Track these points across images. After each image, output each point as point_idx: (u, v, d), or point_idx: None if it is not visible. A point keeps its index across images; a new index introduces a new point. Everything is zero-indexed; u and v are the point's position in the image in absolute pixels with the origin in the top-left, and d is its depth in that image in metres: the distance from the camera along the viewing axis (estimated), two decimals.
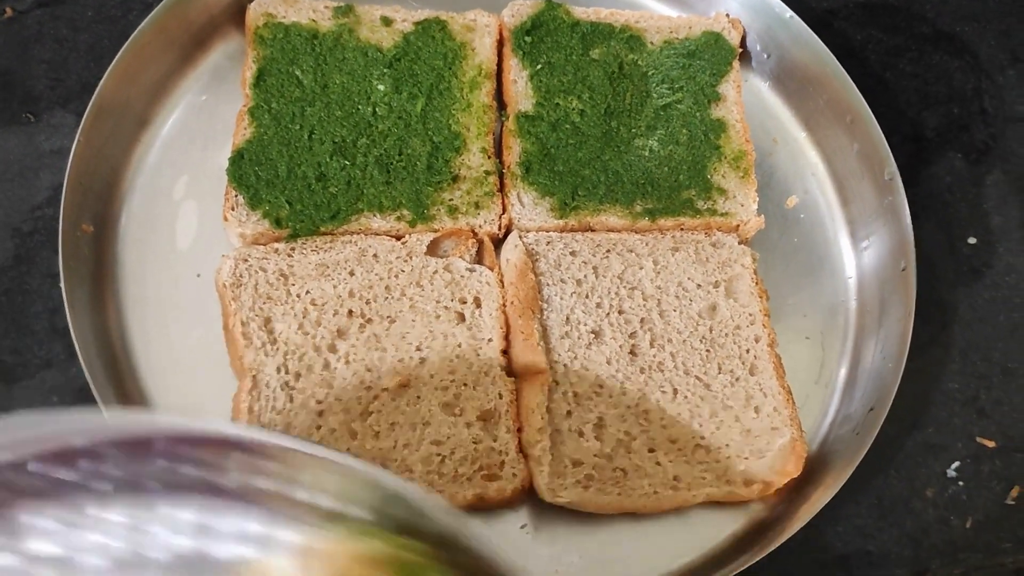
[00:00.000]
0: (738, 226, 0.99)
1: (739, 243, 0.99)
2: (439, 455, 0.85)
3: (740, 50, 1.07)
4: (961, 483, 0.96)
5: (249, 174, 0.94)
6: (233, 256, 0.90)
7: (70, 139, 0.97)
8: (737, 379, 0.92)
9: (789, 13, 1.06)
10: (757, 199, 0.99)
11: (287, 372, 0.86)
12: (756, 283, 0.97)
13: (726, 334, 0.94)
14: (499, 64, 1.05)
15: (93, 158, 0.93)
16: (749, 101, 1.08)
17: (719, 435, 0.89)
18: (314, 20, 1.03)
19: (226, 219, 0.92)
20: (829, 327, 0.99)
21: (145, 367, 0.89)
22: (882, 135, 1.01)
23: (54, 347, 0.90)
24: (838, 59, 1.04)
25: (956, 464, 0.97)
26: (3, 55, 1.03)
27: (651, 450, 0.88)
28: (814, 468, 0.90)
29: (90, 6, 1.08)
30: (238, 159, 0.94)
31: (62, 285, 0.85)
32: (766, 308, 0.95)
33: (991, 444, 0.98)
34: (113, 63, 0.94)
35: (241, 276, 0.90)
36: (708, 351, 0.93)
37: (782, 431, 0.90)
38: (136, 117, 0.99)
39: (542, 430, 0.86)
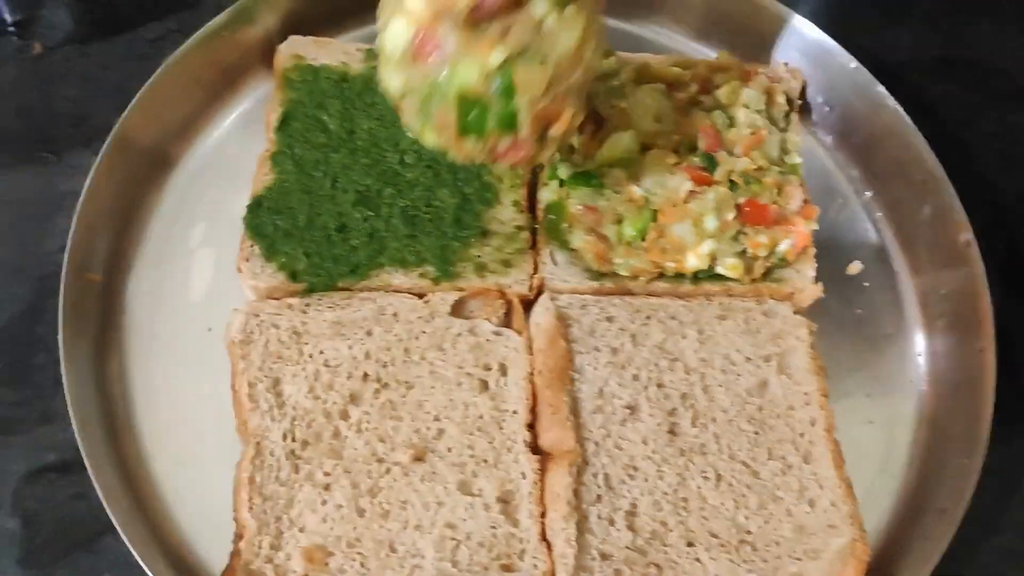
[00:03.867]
0: (792, 293, 0.91)
1: (794, 312, 0.90)
2: (453, 540, 0.77)
3: (800, 102, 0.99)
4: None
5: (267, 223, 0.88)
6: (244, 311, 0.85)
7: None
8: (789, 467, 0.83)
9: (855, 63, 0.98)
10: (815, 265, 0.90)
11: (294, 440, 0.80)
12: (812, 358, 0.87)
13: (777, 415, 0.85)
14: None
15: (107, 202, 0.89)
16: (808, 157, 0.99)
17: (767, 530, 0.80)
18: (345, 63, 0.98)
19: (240, 270, 0.86)
20: (896, 411, 0.90)
21: (146, 427, 0.84)
22: (956, 197, 0.92)
23: (55, 401, 0.85)
24: (910, 114, 0.96)
25: None
26: (27, 92, 1.01)
27: (690, 544, 0.79)
28: (876, 574, 0.80)
29: (121, 44, 1.05)
30: (256, 207, 0.89)
31: (60, 338, 0.80)
32: (824, 387, 0.86)
33: None
34: (134, 101, 0.91)
35: (251, 333, 0.84)
36: (757, 433, 0.84)
37: (840, 529, 0.80)
38: (156, 158, 0.95)
39: (568, 516, 0.77)
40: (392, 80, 0.74)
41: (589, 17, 0.73)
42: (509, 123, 0.73)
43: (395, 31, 0.72)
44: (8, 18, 1.04)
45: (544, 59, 0.71)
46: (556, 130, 0.75)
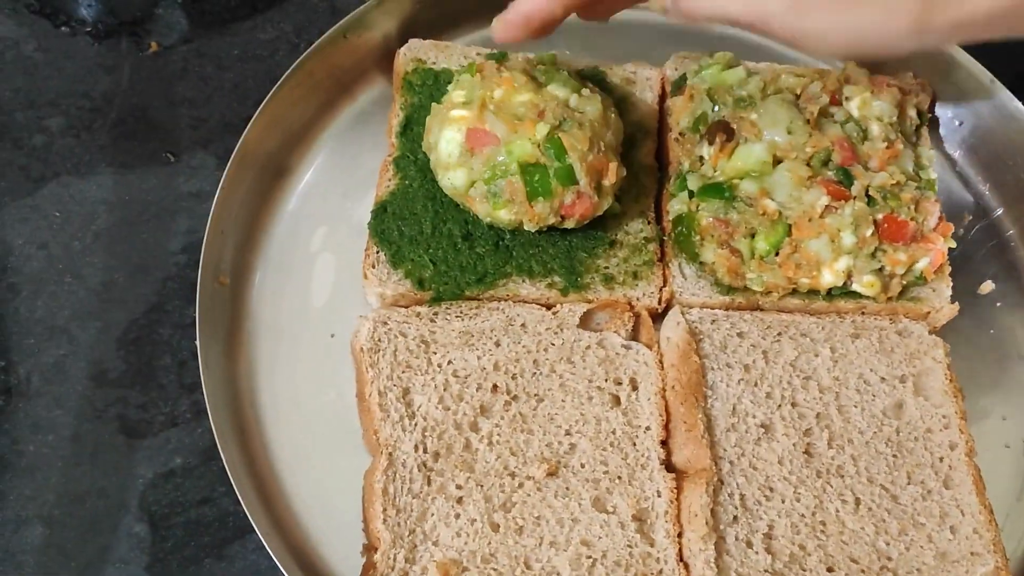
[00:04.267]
0: (928, 313, 0.88)
1: (928, 332, 0.87)
2: (589, 557, 0.76)
3: (929, 115, 0.96)
4: None
5: (392, 229, 0.88)
6: (372, 318, 0.84)
7: (209, 182, 0.94)
8: (929, 492, 0.80)
9: (990, 77, 0.95)
10: (951, 283, 0.88)
11: (425, 451, 0.79)
12: (950, 380, 0.85)
13: (915, 438, 0.83)
14: (660, 120, 0.97)
15: (234, 207, 0.89)
16: (937, 173, 0.97)
17: (909, 557, 0.78)
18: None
19: (366, 277, 0.85)
20: None
21: (273, 431, 0.83)
22: None
23: (181, 403, 0.85)
24: None
25: None
26: (146, 91, 1.00)
27: (830, 569, 0.77)
28: None
29: (237, 45, 1.04)
30: (381, 212, 0.88)
31: (197, 343, 0.79)
32: (962, 409, 0.84)
33: None
34: (259, 109, 0.90)
35: (380, 340, 0.83)
36: (895, 456, 0.82)
37: (984, 558, 0.78)
38: (277, 164, 0.94)
39: (706, 537, 0.76)
40: (455, 179, 0.84)
41: (602, 95, 0.88)
42: (569, 177, 0.82)
43: (448, 139, 0.83)
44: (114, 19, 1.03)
45: (581, 124, 0.82)
46: (608, 180, 0.84)
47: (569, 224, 0.85)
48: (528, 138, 0.81)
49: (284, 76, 0.92)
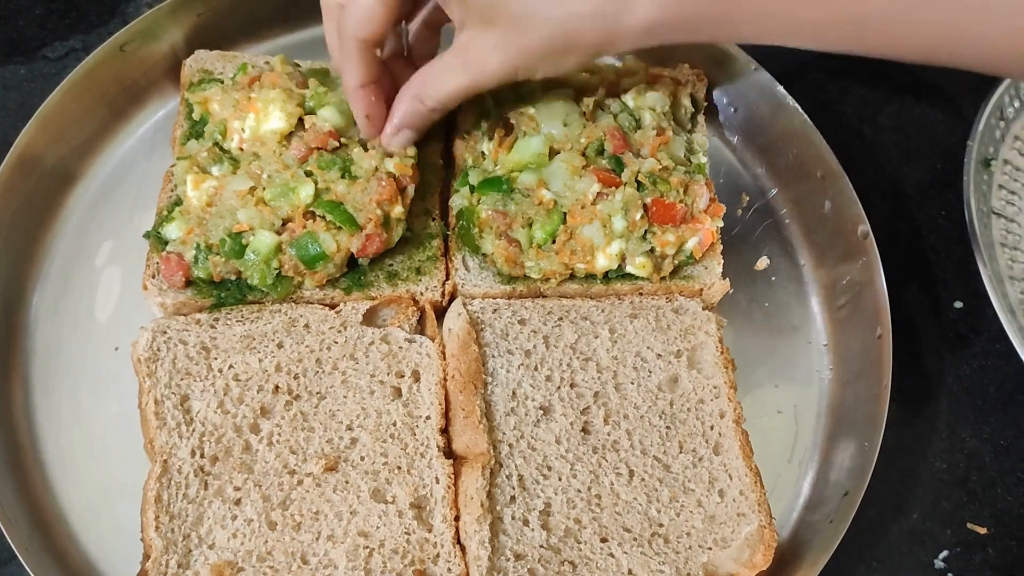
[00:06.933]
0: (701, 290, 0.92)
1: (703, 308, 0.92)
2: (367, 548, 0.77)
3: (706, 104, 1.01)
4: (951, 575, 0.87)
5: None
6: (151, 328, 0.84)
7: None
8: (700, 459, 0.84)
9: (754, 65, 1.00)
10: (722, 261, 0.92)
11: (202, 456, 0.79)
12: (721, 352, 0.89)
13: (688, 409, 0.86)
14: (447, 119, 0.99)
15: (8, 221, 0.87)
16: (717, 157, 1.02)
17: (679, 522, 0.81)
18: None
19: (146, 288, 0.85)
20: (803, 399, 0.92)
21: (52, 450, 0.82)
22: (853, 191, 0.95)
23: None
24: (812, 112, 0.98)
25: (945, 553, 0.88)
26: None
27: (603, 540, 0.80)
28: (785, 559, 0.82)
29: (24, 65, 1.03)
30: (162, 223, 0.88)
31: None
32: (732, 380, 0.88)
33: (983, 530, 0.89)
34: (33, 118, 0.90)
35: (159, 350, 0.83)
36: (668, 428, 0.85)
37: (749, 517, 0.82)
38: (61, 176, 0.94)
39: (481, 519, 0.78)
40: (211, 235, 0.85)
41: None
42: (349, 224, 0.83)
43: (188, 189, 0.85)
44: None
45: (350, 161, 0.85)
46: (396, 212, 0.85)
47: (363, 262, 0.87)
48: (270, 226, 0.82)
49: (60, 87, 0.91)
